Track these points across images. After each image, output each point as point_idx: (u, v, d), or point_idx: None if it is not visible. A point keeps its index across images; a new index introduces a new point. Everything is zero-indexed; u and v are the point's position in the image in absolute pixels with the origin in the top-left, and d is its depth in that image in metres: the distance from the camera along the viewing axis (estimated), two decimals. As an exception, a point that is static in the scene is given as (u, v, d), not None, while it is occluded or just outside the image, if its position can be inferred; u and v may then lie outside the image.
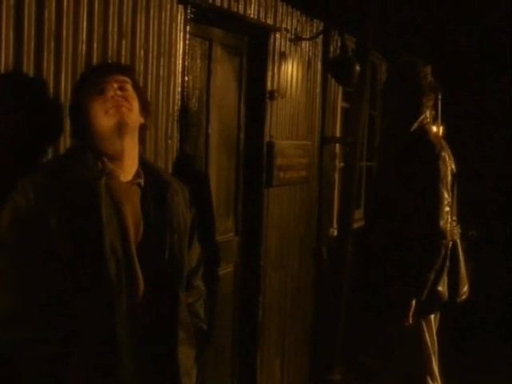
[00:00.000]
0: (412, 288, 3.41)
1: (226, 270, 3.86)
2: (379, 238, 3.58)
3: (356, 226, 5.20)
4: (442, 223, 3.37)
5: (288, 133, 4.35)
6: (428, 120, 3.65)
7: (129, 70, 2.27)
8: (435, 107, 3.72)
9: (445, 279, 3.52)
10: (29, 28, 2.25)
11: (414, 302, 3.41)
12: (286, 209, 4.40)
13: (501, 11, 6.08)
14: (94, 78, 2.12)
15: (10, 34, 2.19)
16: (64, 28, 2.40)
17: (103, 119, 2.08)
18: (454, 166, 3.56)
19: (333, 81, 4.73)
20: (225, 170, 3.83)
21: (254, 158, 4.01)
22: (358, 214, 5.75)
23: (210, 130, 3.60)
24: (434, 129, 3.68)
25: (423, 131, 3.58)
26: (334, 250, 4.88)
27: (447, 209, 3.42)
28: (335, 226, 5.15)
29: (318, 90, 4.79)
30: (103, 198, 2.03)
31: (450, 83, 5.62)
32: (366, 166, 6.30)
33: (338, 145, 5.24)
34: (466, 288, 3.69)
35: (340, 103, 5.29)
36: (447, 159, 3.50)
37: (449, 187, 3.47)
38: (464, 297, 3.68)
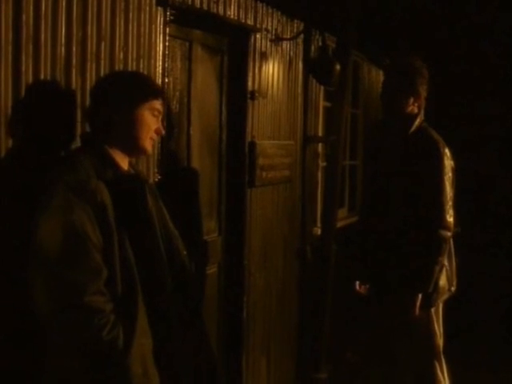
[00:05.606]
0: (418, 282, 3.48)
1: (209, 270, 3.87)
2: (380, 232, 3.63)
3: (340, 224, 5.22)
4: (448, 217, 3.47)
5: (270, 133, 4.37)
6: (423, 118, 3.65)
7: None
8: (419, 108, 3.69)
9: (443, 272, 3.61)
10: (6, 32, 2.24)
11: (420, 296, 3.48)
12: (269, 209, 4.42)
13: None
14: (153, 95, 2.31)
15: (-13, 38, 2.19)
16: (42, 31, 2.39)
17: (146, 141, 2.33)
18: (452, 162, 3.61)
19: (314, 80, 4.75)
20: (207, 170, 3.84)
21: (236, 158, 4.02)
22: (342, 212, 5.78)
23: (191, 131, 3.61)
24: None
25: (423, 129, 3.61)
26: (318, 249, 4.89)
27: (451, 203, 3.50)
28: (319, 225, 5.16)
29: (300, 89, 4.81)
30: None
31: (442, 83, 5.62)
32: (349, 164, 6.33)
33: (320, 144, 5.25)
34: (455, 281, 3.76)
35: (322, 102, 5.30)
36: (449, 155, 3.55)
37: (451, 182, 3.54)
38: (453, 289, 3.74)
